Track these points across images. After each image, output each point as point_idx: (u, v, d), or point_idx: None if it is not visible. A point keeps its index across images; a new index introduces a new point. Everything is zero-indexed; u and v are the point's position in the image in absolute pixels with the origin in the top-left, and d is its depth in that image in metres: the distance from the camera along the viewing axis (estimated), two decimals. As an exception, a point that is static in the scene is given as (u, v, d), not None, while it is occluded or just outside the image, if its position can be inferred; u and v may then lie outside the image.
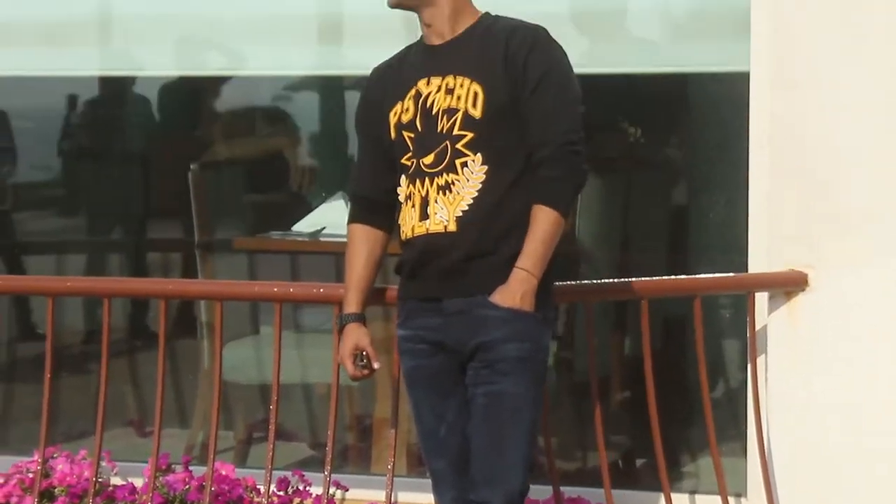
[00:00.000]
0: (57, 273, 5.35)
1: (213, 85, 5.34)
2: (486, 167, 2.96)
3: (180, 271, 5.45)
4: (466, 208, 2.96)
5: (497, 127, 2.98)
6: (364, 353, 3.10)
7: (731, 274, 3.81)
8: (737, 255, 3.93)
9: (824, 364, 3.69)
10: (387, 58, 3.21)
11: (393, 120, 3.08)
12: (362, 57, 4.42)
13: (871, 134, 3.60)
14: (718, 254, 4.29)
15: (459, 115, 3.01)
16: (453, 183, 2.98)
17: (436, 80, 3.05)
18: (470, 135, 2.99)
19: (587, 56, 4.13)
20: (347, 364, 3.11)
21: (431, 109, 3.03)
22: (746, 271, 3.79)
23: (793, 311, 3.69)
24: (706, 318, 3.78)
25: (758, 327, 3.71)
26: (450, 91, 3.03)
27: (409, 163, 3.04)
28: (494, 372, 2.94)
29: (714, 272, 3.91)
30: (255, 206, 5.48)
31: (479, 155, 2.98)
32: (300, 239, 4.71)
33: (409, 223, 3.03)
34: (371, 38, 4.37)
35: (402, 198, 3.08)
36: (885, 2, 3.59)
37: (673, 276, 4.04)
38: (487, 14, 3.08)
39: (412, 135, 3.05)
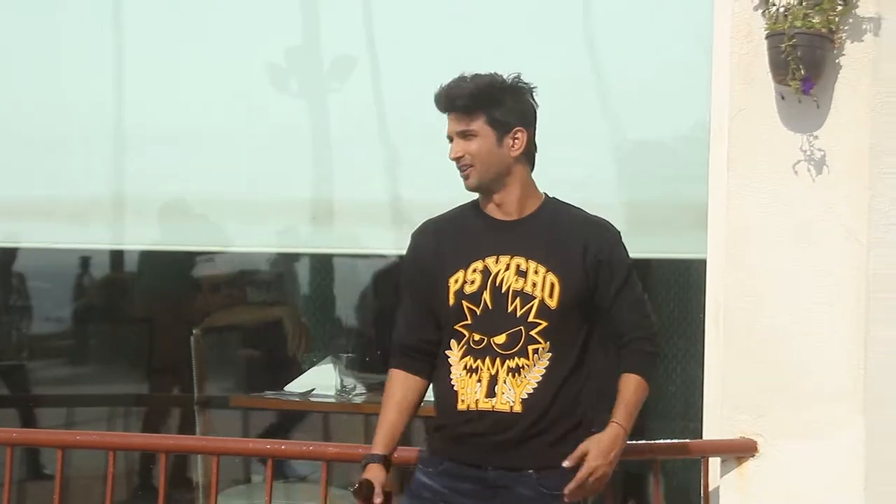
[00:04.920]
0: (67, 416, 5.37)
1: (214, 258, 5.39)
2: (550, 354, 2.91)
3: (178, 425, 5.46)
4: (532, 391, 2.89)
5: (567, 318, 2.93)
6: (371, 484, 2.92)
7: (686, 440, 3.76)
8: (692, 421, 3.90)
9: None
10: (434, 218, 3.11)
11: (454, 287, 2.96)
12: (349, 236, 4.59)
13: (815, 317, 3.61)
14: (676, 420, 4.28)
15: (535, 303, 2.93)
16: (523, 367, 2.91)
17: (505, 259, 2.95)
18: (544, 323, 2.92)
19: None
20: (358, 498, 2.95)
21: (501, 287, 2.94)
22: (701, 437, 3.74)
23: (742, 475, 3.63)
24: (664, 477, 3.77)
25: (711, 488, 3.65)
26: (521, 273, 2.95)
27: (465, 332, 2.94)
28: None
29: (672, 437, 3.89)
30: (251, 368, 5.52)
31: (548, 343, 2.92)
32: (292, 398, 4.74)
33: (473, 396, 2.91)
34: (357, 220, 4.48)
35: (458, 365, 2.95)
36: (822, 197, 3.65)
37: (633, 441, 3.99)
38: (549, 197, 3.03)
39: (476, 308, 2.95)
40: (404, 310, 3.08)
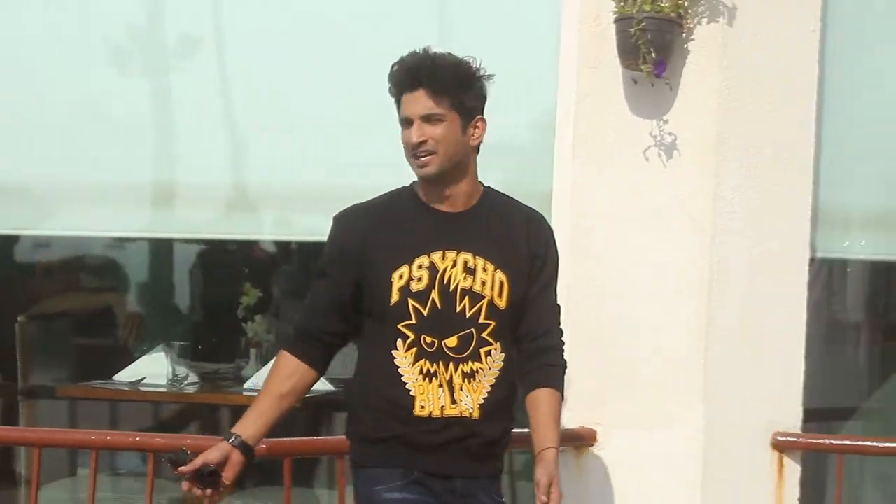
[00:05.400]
0: None
1: (45, 241, 5.30)
2: (503, 355, 2.86)
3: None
4: (487, 396, 2.84)
5: (512, 317, 2.88)
6: (215, 469, 2.73)
7: (526, 429, 3.76)
8: None
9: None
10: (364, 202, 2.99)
11: (398, 283, 2.84)
12: (189, 221, 4.53)
13: (658, 306, 3.67)
14: (519, 410, 4.27)
15: (485, 302, 2.87)
16: (477, 371, 2.85)
17: (451, 255, 2.87)
18: (493, 324, 2.86)
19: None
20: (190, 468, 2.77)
21: (449, 286, 2.86)
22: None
23: (581, 465, 3.70)
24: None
25: None
26: (469, 271, 2.87)
27: (411, 333, 2.83)
28: None
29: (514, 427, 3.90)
30: (79, 356, 5.40)
31: (498, 343, 2.86)
32: (121, 388, 4.67)
33: (437, 403, 2.82)
34: (197, 205, 4.41)
35: (413, 369, 2.85)
36: (670, 184, 3.72)
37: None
38: (485, 186, 2.95)
39: (423, 308, 2.84)
40: (315, 294, 2.93)
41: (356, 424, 2.88)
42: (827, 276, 4.89)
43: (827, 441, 3.79)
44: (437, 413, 2.80)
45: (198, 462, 2.68)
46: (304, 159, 4.32)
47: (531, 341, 2.89)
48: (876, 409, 4.84)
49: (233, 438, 2.74)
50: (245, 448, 2.75)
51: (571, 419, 3.64)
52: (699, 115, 3.71)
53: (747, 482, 3.72)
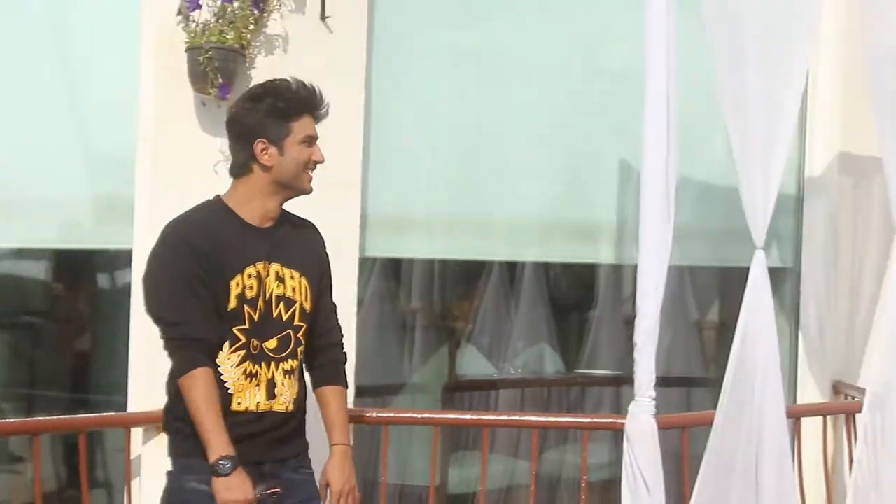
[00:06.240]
0: None
1: None
2: (305, 353, 3.08)
3: None
4: (299, 389, 3.05)
5: (313, 318, 3.09)
6: (271, 491, 2.94)
7: (112, 413, 3.95)
8: (116, 395, 4.00)
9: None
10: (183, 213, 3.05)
11: (235, 290, 2.95)
12: None
13: None
14: (102, 393, 4.44)
15: (297, 307, 3.02)
16: (295, 369, 3.01)
17: (268, 265, 3.02)
18: (304, 325, 3.04)
19: None
20: None
21: (270, 293, 3.00)
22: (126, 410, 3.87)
23: (161, 442, 3.65)
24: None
25: (133, 456, 3.78)
26: (280, 280, 3.02)
27: (242, 336, 2.95)
28: None
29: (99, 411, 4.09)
30: None
31: (304, 343, 3.06)
32: None
33: (254, 399, 2.95)
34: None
35: (235, 370, 2.95)
36: None
37: (57, 417, 4.11)
38: None
39: (254, 313, 2.97)
40: (193, 303, 2.91)
41: (175, 418, 2.96)
42: (381, 271, 5.44)
43: (374, 414, 4.03)
44: (252, 408, 2.96)
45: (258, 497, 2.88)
46: None
47: (318, 338, 3.13)
48: (419, 385, 5.38)
49: (238, 460, 2.84)
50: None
51: (149, 403, 3.62)
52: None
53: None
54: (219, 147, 3.79)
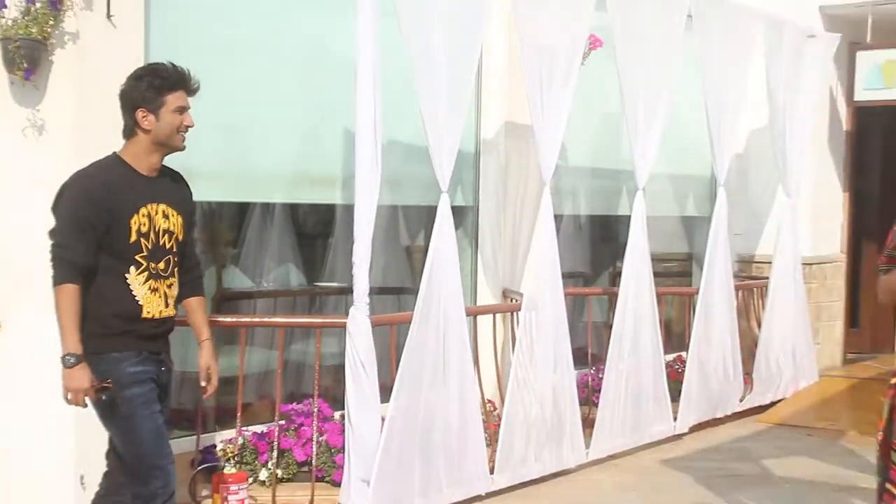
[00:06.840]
0: None
1: None
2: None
3: None
4: (175, 298, 3.67)
5: (182, 247, 3.66)
6: (106, 382, 3.43)
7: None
8: None
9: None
10: (86, 168, 3.47)
11: (134, 227, 3.46)
12: None
13: None
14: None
15: (175, 238, 3.62)
16: (173, 285, 3.64)
17: (156, 206, 3.53)
18: (179, 252, 3.64)
19: None
20: (91, 395, 3.42)
21: (158, 227, 3.53)
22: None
23: None
24: None
25: None
26: (166, 216, 3.56)
27: (143, 262, 3.49)
28: (167, 397, 3.73)
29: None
30: None
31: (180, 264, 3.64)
32: None
33: (157, 308, 3.56)
34: None
35: (142, 287, 3.50)
36: (43, 158, 4.30)
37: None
38: None
39: (148, 244, 3.50)
40: (80, 237, 3.38)
41: (94, 326, 3.45)
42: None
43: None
44: (156, 315, 3.57)
45: (93, 386, 3.38)
46: None
47: (185, 261, 3.72)
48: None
49: (83, 357, 3.37)
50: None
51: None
52: (66, 106, 4.34)
53: None
54: (26, 116, 4.32)
